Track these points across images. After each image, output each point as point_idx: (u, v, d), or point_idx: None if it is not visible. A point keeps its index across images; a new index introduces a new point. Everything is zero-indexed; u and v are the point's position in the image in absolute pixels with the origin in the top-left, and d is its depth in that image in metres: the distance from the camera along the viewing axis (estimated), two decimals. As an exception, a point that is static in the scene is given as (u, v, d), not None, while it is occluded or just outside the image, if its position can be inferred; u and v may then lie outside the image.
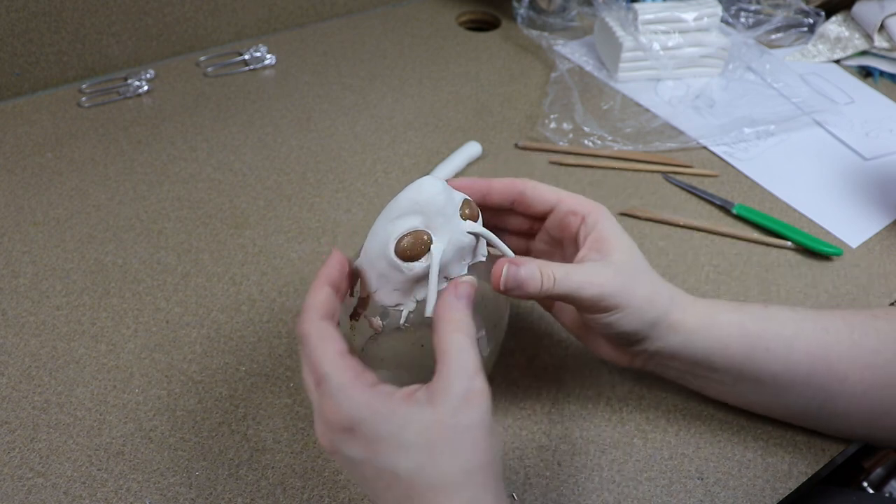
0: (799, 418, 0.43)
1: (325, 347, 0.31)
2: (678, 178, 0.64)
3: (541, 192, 0.39)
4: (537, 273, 0.35)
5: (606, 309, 0.37)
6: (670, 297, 0.39)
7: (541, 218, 0.42)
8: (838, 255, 0.56)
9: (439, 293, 0.35)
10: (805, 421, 0.44)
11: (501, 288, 0.36)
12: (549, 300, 0.44)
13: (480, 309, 0.38)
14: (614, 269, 0.37)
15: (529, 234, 0.44)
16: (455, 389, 0.30)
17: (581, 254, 0.39)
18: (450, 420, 0.30)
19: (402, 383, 0.43)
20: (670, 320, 0.39)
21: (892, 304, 0.43)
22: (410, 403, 0.30)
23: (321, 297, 0.33)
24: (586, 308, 0.38)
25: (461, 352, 0.31)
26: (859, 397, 0.40)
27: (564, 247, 0.42)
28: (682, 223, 0.59)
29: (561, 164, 0.65)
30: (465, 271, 0.37)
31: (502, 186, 0.39)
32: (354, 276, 0.37)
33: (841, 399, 0.40)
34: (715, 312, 0.40)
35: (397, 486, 0.30)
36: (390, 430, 0.30)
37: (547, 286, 0.35)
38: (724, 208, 0.60)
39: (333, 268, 0.35)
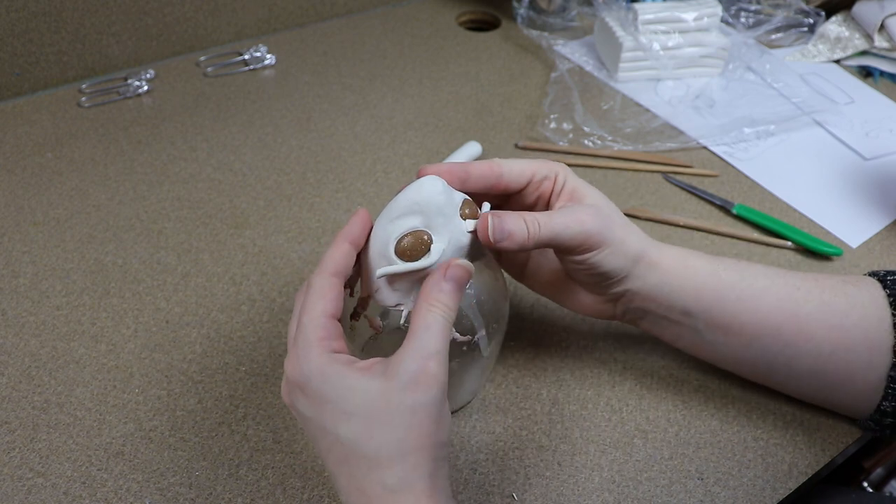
0: (766, 376, 0.44)
1: (316, 303, 0.32)
2: (678, 178, 0.64)
3: (516, 169, 0.39)
4: (521, 222, 0.36)
5: (591, 247, 0.38)
6: (645, 238, 0.40)
7: (515, 193, 0.42)
8: (838, 255, 0.56)
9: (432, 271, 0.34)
10: (772, 379, 0.44)
11: (491, 240, 0.35)
12: (530, 251, 0.43)
13: (481, 309, 0.38)
14: (593, 210, 0.38)
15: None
16: (407, 367, 0.30)
17: (557, 205, 0.40)
18: (395, 396, 0.30)
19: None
20: (649, 258, 0.40)
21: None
22: (363, 373, 0.31)
23: (337, 254, 0.34)
24: (572, 249, 0.38)
25: (426, 331, 0.31)
26: (826, 357, 0.40)
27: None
28: (682, 223, 0.59)
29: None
30: (465, 271, 0.37)
31: (480, 172, 0.38)
32: (355, 276, 0.37)
33: (807, 358, 0.41)
34: (688, 257, 0.41)
35: (338, 449, 0.31)
36: (336, 394, 0.30)
37: (533, 231, 0.36)
38: (724, 208, 0.60)
39: (356, 225, 0.35)
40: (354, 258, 0.35)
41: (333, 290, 0.33)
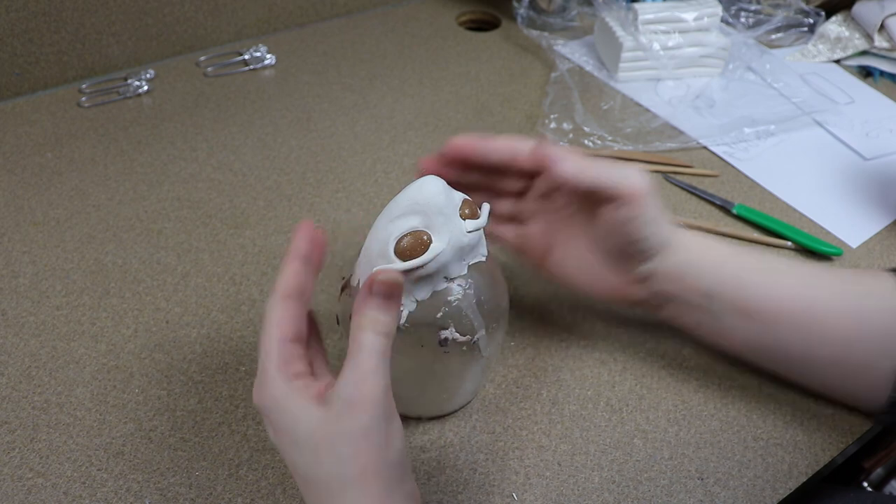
0: (784, 365, 0.44)
1: (271, 331, 0.32)
2: (678, 178, 0.64)
3: (578, 176, 0.39)
4: (578, 159, 0.39)
5: (632, 197, 0.39)
6: (672, 222, 0.42)
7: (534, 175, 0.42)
8: (838, 255, 0.56)
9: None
10: (789, 368, 0.44)
11: (549, 161, 0.39)
12: (555, 240, 0.44)
13: (480, 309, 0.38)
14: (638, 176, 0.39)
15: (519, 194, 0.44)
16: (341, 393, 0.29)
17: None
18: (333, 425, 0.29)
19: (401, 383, 0.44)
20: (676, 238, 0.41)
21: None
22: (310, 401, 0.30)
23: (286, 274, 0.33)
24: (615, 194, 0.39)
25: (360, 351, 0.30)
26: (841, 347, 0.40)
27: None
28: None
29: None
30: (465, 271, 0.37)
31: (526, 156, 0.39)
32: (355, 276, 0.37)
33: (824, 347, 0.41)
34: (711, 241, 0.43)
35: (297, 476, 0.31)
36: (287, 425, 0.30)
37: (587, 166, 0.38)
38: (725, 208, 0.60)
39: (300, 240, 0.34)
40: (310, 273, 0.34)
41: (287, 311, 0.32)
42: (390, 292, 0.31)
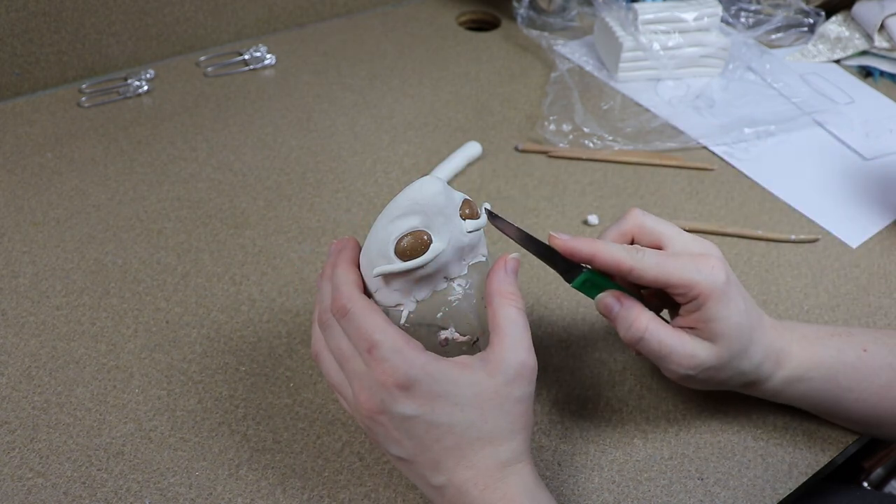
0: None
1: (374, 317, 0.34)
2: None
3: (649, 276, 0.37)
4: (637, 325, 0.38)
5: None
6: (776, 360, 0.40)
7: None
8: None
9: (491, 268, 0.36)
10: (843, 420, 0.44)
11: (600, 309, 0.39)
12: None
13: (481, 309, 0.38)
14: (705, 358, 0.38)
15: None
16: (510, 363, 0.33)
17: (680, 321, 0.39)
18: (503, 390, 0.33)
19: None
20: (775, 357, 0.40)
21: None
22: (464, 369, 0.33)
23: (354, 276, 0.36)
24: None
25: (514, 325, 0.34)
26: None
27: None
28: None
29: (561, 158, 0.65)
30: (465, 271, 0.37)
31: (606, 261, 0.37)
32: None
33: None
34: (815, 348, 0.41)
35: (448, 437, 0.33)
36: (447, 388, 0.33)
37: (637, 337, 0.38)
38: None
39: (354, 251, 0.37)
40: (357, 270, 0.37)
41: (373, 303, 0.35)
42: (517, 271, 0.36)
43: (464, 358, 0.34)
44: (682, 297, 0.38)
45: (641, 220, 0.40)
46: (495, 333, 0.34)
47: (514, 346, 0.34)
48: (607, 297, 0.38)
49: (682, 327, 0.39)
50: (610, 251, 0.37)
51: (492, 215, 0.38)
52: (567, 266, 0.38)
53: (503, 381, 0.33)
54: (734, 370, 0.39)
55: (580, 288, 0.39)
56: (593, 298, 0.39)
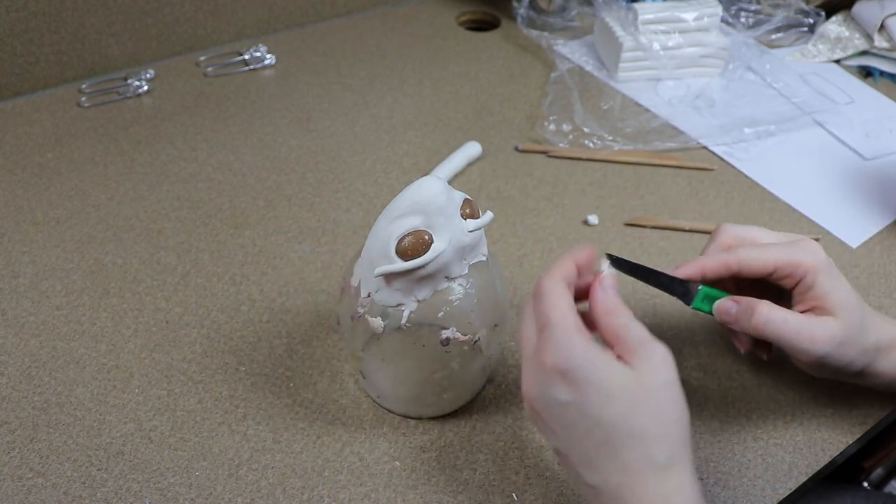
0: None
1: (558, 301, 0.34)
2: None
3: (755, 265, 0.40)
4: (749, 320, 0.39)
5: (820, 365, 0.39)
6: (889, 342, 0.41)
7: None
8: None
9: (591, 292, 0.36)
10: None
11: (720, 315, 0.40)
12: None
13: (481, 309, 0.38)
14: (833, 332, 0.39)
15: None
16: (649, 354, 0.33)
17: (797, 307, 0.40)
18: (648, 379, 0.33)
19: (402, 383, 0.44)
20: (887, 343, 0.40)
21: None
22: (617, 361, 0.33)
23: (567, 266, 0.36)
24: (797, 353, 0.40)
25: (635, 328, 0.34)
26: None
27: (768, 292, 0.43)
28: (686, 227, 0.59)
29: (561, 158, 0.65)
30: (466, 271, 0.37)
31: (715, 267, 0.40)
32: (355, 276, 0.37)
33: None
34: None
35: (598, 431, 0.32)
36: (599, 378, 0.32)
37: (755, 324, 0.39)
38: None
39: (582, 254, 0.37)
40: (573, 278, 0.36)
41: (567, 291, 0.35)
42: (616, 286, 0.36)
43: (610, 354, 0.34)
44: (791, 279, 0.40)
45: (732, 230, 0.42)
46: (617, 342, 0.34)
47: (644, 342, 0.33)
48: (724, 302, 0.40)
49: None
50: (715, 260, 0.40)
51: (616, 262, 0.37)
52: (684, 289, 0.41)
53: (646, 370, 0.33)
54: (859, 346, 0.39)
55: (700, 306, 0.41)
56: (711, 313, 0.41)
